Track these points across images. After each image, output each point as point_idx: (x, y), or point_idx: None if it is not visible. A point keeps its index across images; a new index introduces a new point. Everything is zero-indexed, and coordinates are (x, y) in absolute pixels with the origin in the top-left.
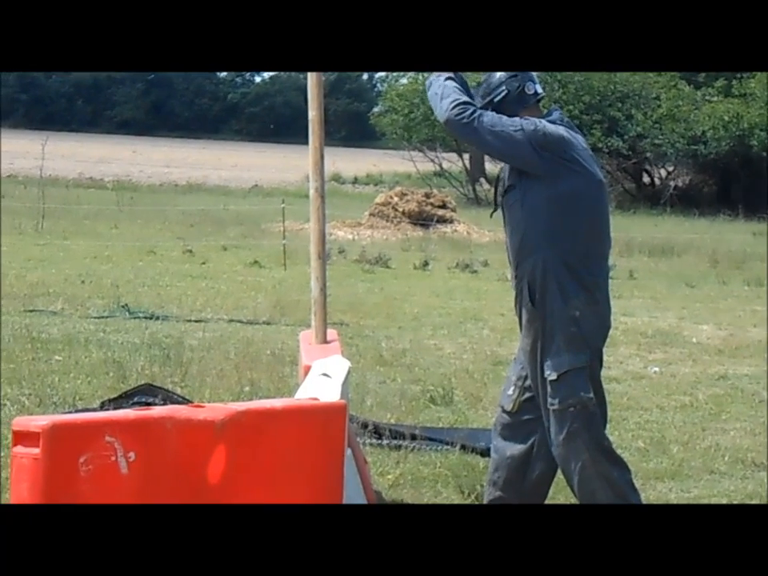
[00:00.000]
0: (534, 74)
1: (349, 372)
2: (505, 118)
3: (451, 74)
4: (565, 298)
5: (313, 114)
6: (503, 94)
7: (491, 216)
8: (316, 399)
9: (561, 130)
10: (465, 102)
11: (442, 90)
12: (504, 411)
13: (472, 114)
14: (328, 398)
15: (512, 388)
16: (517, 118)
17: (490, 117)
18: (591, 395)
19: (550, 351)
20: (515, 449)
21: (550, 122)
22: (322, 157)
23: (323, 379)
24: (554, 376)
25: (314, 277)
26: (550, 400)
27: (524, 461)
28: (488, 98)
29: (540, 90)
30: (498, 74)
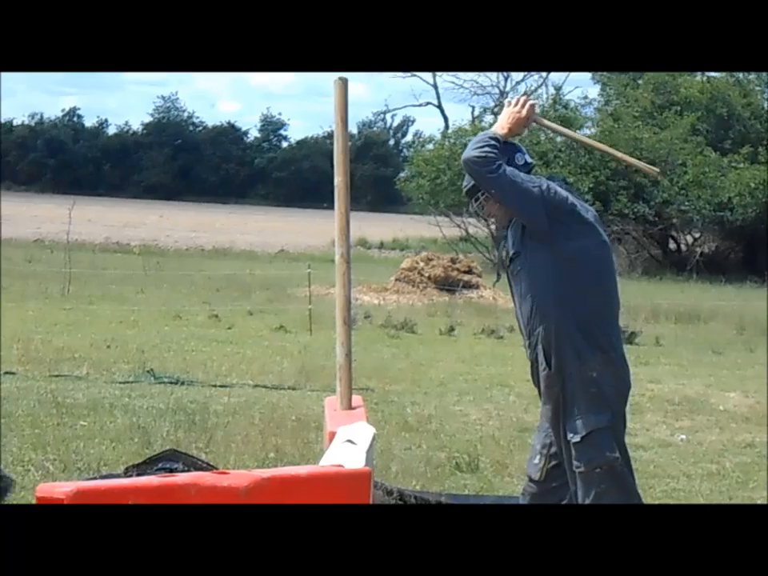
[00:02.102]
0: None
1: (374, 438)
2: (524, 174)
3: (499, 138)
4: (580, 359)
5: (339, 179)
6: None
7: (494, 285)
8: (341, 466)
9: (566, 192)
10: (494, 154)
11: (480, 138)
12: (531, 480)
13: (497, 163)
14: (353, 465)
15: (538, 457)
16: (534, 176)
17: (511, 170)
18: (617, 455)
19: (572, 414)
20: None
21: None
22: (347, 222)
23: (348, 446)
24: (577, 438)
25: (339, 342)
26: (575, 463)
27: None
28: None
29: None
30: None
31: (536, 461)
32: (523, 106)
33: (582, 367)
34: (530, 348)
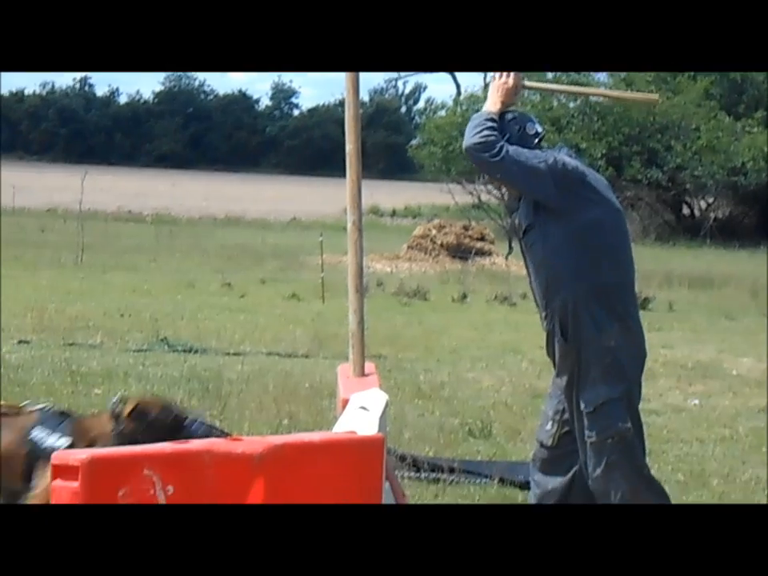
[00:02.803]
0: (531, 114)
1: (387, 405)
2: (527, 150)
3: (494, 116)
4: (598, 329)
5: (350, 147)
6: (505, 137)
7: (506, 258)
8: (353, 433)
9: (575, 161)
10: (493, 136)
11: (476, 122)
12: (543, 446)
13: (499, 145)
14: (366, 432)
15: (550, 423)
16: (538, 151)
17: (514, 149)
18: (629, 425)
19: (585, 384)
20: (556, 482)
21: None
22: (359, 190)
23: (361, 412)
24: (590, 408)
25: (351, 310)
26: (587, 432)
27: (565, 493)
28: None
29: (540, 129)
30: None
31: (548, 427)
32: (508, 75)
33: (600, 337)
34: (546, 319)
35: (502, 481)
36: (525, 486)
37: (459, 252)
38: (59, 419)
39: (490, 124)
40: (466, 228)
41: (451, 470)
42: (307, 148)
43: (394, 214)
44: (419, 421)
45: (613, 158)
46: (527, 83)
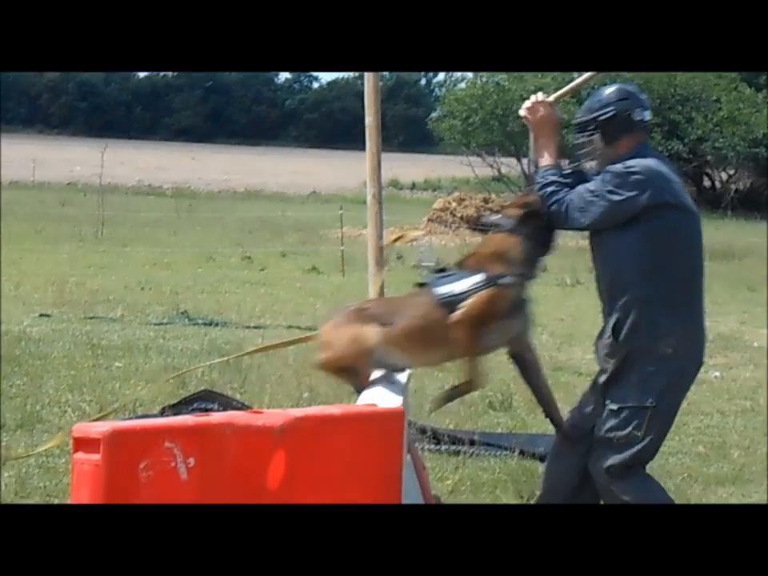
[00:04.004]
0: (645, 97)
1: (409, 378)
2: (588, 189)
3: (548, 165)
4: (657, 337)
5: (370, 119)
6: (610, 114)
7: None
8: (374, 405)
9: (652, 164)
10: (555, 203)
11: (540, 185)
12: (572, 425)
13: (556, 203)
14: (391, 404)
15: (590, 407)
16: (598, 182)
17: (575, 196)
18: (640, 435)
19: (619, 382)
20: (573, 460)
21: (640, 156)
22: (379, 163)
23: (385, 385)
24: (613, 406)
25: (371, 283)
26: (602, 426)
27: (584, 466)
28: (593, 115)
29: (648, 117)
30: (609, 92)
31: (587, 410)
32: (537, 109)
33: (656, 344)
34: (604, 315)
35: (522, 453)
36: (545, 458)
37: (479, 225)
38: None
39: (550, 179)
40: (485, 200)
41: (471, 443)
42: (327, 121)
43: (413, 187)
44: (439, 393)
45: None
46: (553, 97)
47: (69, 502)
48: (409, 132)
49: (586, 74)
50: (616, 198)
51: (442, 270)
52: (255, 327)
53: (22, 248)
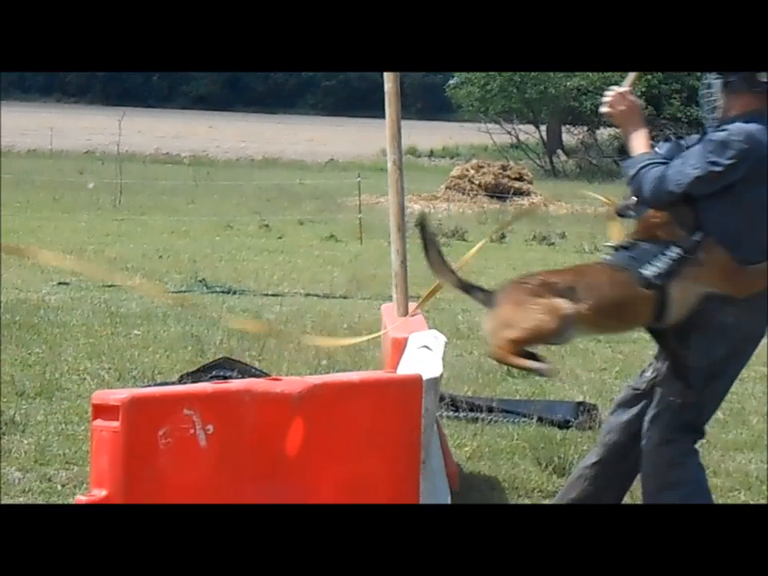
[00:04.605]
0: None
1: (445, 345)
2: (686, 162)
3: (641, 153)
4: (721, 305)
5: (389, 86)
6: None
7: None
8: (392, 372)
9: (756, 133)
10: (653, 182)
11: (639, 173)
12: (633, 388)
13: (654, 179)
14: (432, 372)
15: (651, 370)
16: (697, 151)
17: (673, 170)
18: (696, 399)
19: (679, 347)
20: (632, 414)
21: (753, 121)
22: (399, 129)
23: (424, 352)
24: (672, 369)
25: (394, 250)
26: (660, 388)
27: (639, 429)
28: (721, 75)
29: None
30: None
31: (648, 373)
32: (617, 102)
33: (721, 311)
34: None
35: (540, 420)
36: (563, 424)
37: (497, 192)
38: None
39: (644, 164)
40: (504, 168)
41: (490, 410)
42: (344, 89)
43: (431, 154)
44: (458, 361)
45: (652, 96)
46: (627, 85)
47: (88, 469)
48: (427, 99)
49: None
50: (716, 168)
51: (624, 247)
52: (273, 295)
53: (40, 216)
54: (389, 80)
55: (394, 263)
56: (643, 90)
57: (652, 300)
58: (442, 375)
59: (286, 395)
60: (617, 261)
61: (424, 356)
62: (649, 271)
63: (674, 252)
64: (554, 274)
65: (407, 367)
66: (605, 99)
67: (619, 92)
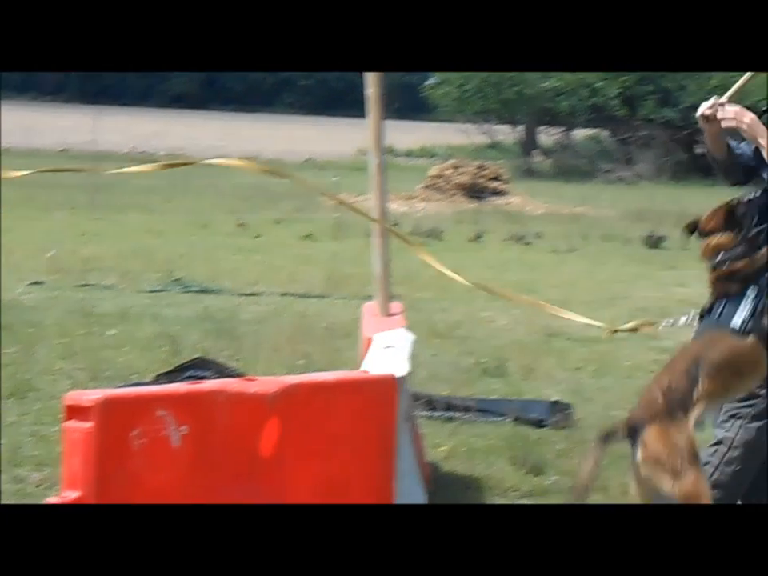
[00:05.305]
0: None
1: (413, 345)
2: None
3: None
4: None
5: (372, 90)
6: None
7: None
8: (366, 372)
9: None
10: None
11: None
12: None
13: None
14: (395, 371)
15: None
16: None
17: None
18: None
19: None
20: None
21: None
22: (382, 133)
23: (389, 352)
24: None
25: (376, 251)
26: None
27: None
28: None
29: None
30: None
31: None
32: (741, 116)
33: None
34: None
35: (516, 419)
36: (538, 423)
37: (474, 192)
38: None
39: None
40: (481, 168)
41: (466, 409)
42: (321, 88)
43: (409, 154)
44: (434, 360)
45: (627, 97)
46: (726, 99)
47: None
48: (404, 99)
49: (747, 74)
50: None
51: (707, 314)
52: (250, 294)
53: (15, 215)
54: (372, 84)
55: (375, 264)
56: (618, 91)
57: (759, 346)
58: (409, 374)
59: (261, 395)
60: (702, 330)
61: (389, 356)
62: (739, 320)
63: (753, 293)
64: (667, 373)
65: (369, 366)
66: (724, 116)
67: (736, 108)
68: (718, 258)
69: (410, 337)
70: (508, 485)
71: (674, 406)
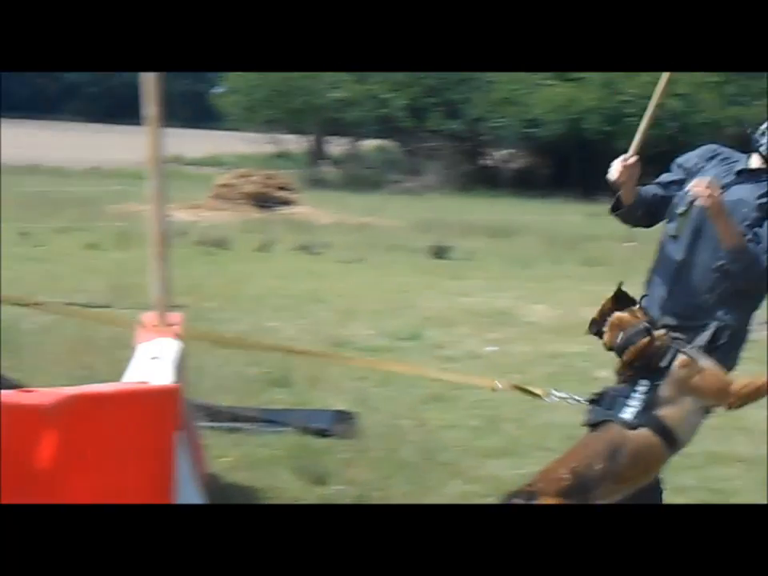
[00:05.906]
0: None
1: (182, 353)
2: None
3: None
4: None
5: (150, 109)
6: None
7: None
8: (147, 383)
9: None
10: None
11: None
12: None
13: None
14: (159, 381)
15: None
16: None
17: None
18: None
19: None
20: None
21: None
22: (162, 153)
23: (153, 361)
24: None
25: (154, 260)
26: None
27: None
28: None
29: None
30: None
31: None
32: (708, 193)
33: None
34: None
35: (301, 429)
36: (322, 433)
37: (262, 201)
38: None
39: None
40: (269, 177)
41: (250, 419)
42: (108, 96)
43: (197, 162)
44: (220, 370)
45: (414, 108)
46: (633, 152)
47: None
48: (192, 107)
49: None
50: None
51: (598, 397)
52: (33, 304)
53: None
54: (150, 103)
55: (154, 274)
56: (406, 102)
57: (652, 436)
58: (181, 384)
59: (38, 407)
60: (595, 419)
61: (154, 366)
62: (628, 413)
63: (643, 386)
64: (561, 464)
65: (132, 376)
66: (698, 191)
67: (705, 184)
68: (619, 339)
69: (175, 345)
70: (291, 495)
71: (579, 489)
